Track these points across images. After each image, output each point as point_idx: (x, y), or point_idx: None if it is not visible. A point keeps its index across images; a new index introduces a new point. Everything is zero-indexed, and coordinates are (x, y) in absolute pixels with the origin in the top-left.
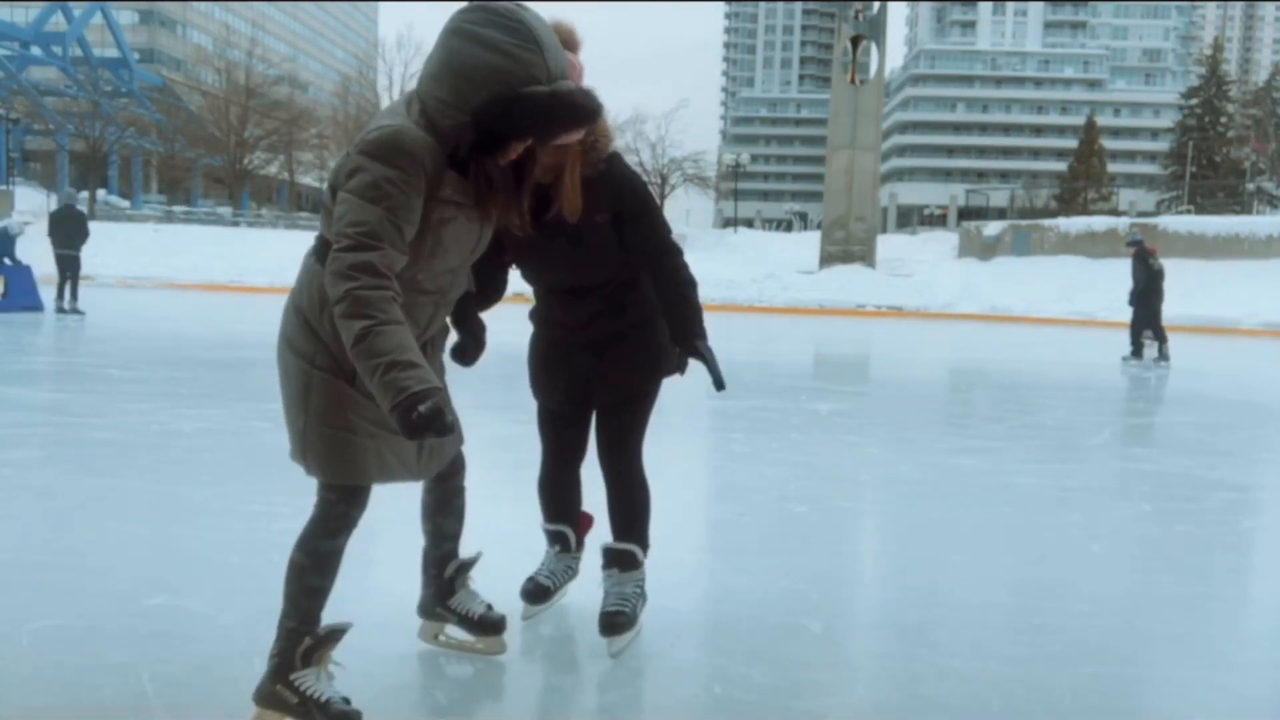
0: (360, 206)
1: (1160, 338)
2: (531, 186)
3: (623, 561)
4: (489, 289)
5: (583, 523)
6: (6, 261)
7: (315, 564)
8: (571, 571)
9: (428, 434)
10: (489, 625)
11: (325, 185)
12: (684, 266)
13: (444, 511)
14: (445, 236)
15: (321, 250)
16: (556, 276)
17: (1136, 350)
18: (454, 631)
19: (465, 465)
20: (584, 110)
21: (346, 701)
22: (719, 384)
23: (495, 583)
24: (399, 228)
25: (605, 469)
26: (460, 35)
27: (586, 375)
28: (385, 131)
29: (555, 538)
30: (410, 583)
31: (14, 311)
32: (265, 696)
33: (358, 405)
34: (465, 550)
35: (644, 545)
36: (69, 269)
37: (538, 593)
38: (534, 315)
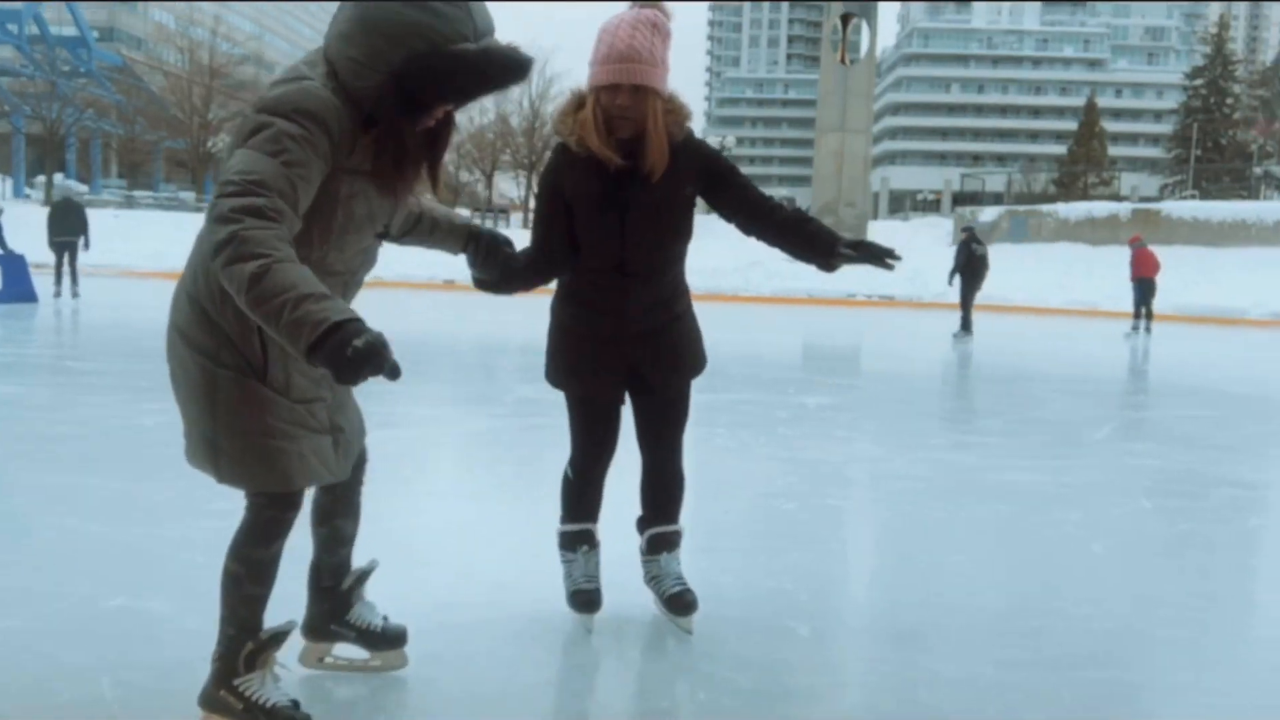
0: (254, 158)
1: (965, 315)
2: (444, 152)
3: (671, 543)
4: (556, 267)
5: None
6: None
7: (251, 573)
8: (599, 567)
9: (366, 371)
10: (392, 638)
11: (226, 157)
12: None
13: (342, 511)
14: (357, 211)
15: None
16: (629, 253)
17: (965, 326)
18: (344, 650)
19: (368, 458)
20: (515, 68)
21: (295, 704)
22: (892, 256)
23: (475, 580)
24: (293, 184)
25: (653, 455)
26: None
27: (636, 366)
28: (288, 90)
29: (583, 538)
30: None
31: (10, 303)
32: (210, 701)
33: (272, 405)
34: (358, 559)
35: None
36: (70, 254)
37: (593, 599)
38: (566, 302)
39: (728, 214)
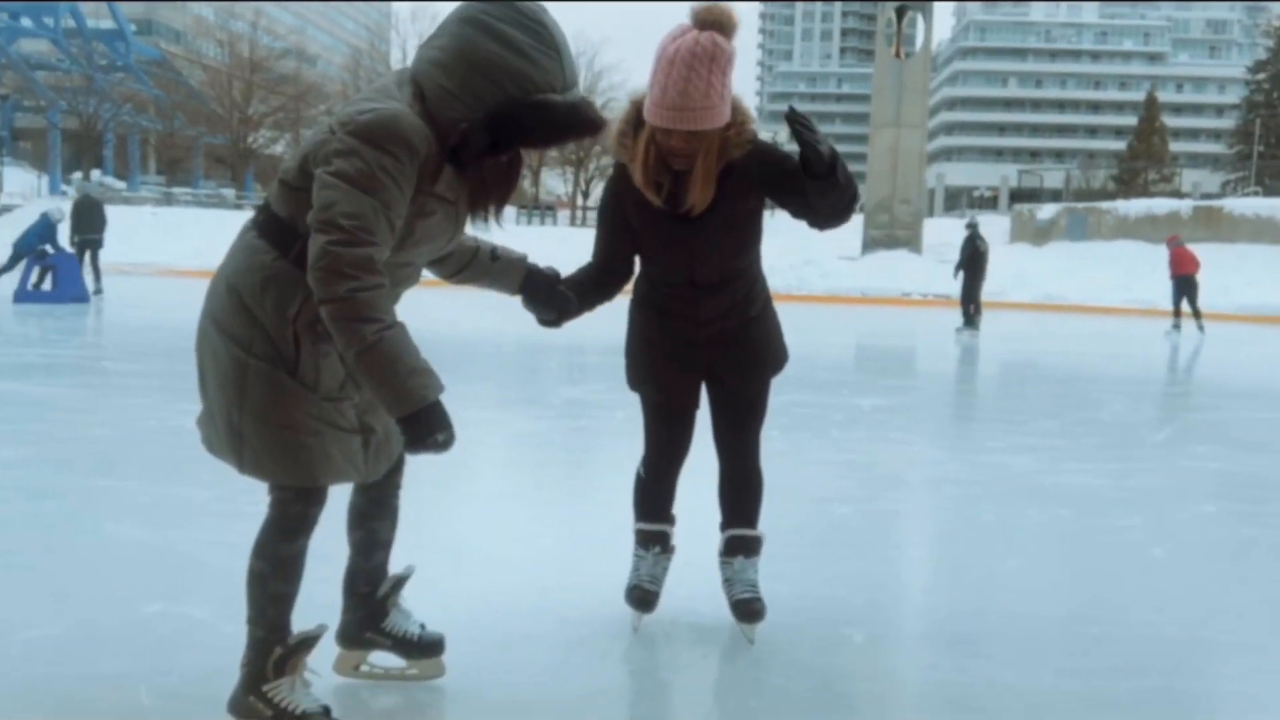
0: (353, 196)
1: (976, 309)
2: (514, 189)
3: (749, 548)
4: (618, 279)
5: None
6: (50, 250)
7: (277, 570)
8: (666, 573)
9: (426, 452)
10: (428, 646)
11: (292, 159)
12: None
13: (378, 514)
14: (419, 229)
15: (268, 225)
16: (698, 270)
17: (968, 320)
18: (380, 659)
19: (405, 462)
20: (591, 125)
21: (326, 711)
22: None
23: (518, 585)
24: (391, 223)
25: (730, 455)
26: (478, 27)
27: (710, 367)
28: (382, 114)
29: (655, 538)
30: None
31: (64, 303)
32: (239, 707)
33: (300, 400)
34: (395, 565)
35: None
36: (93, 251)
37: (648, 599)
38: (643, 308)
39: (798, 211)
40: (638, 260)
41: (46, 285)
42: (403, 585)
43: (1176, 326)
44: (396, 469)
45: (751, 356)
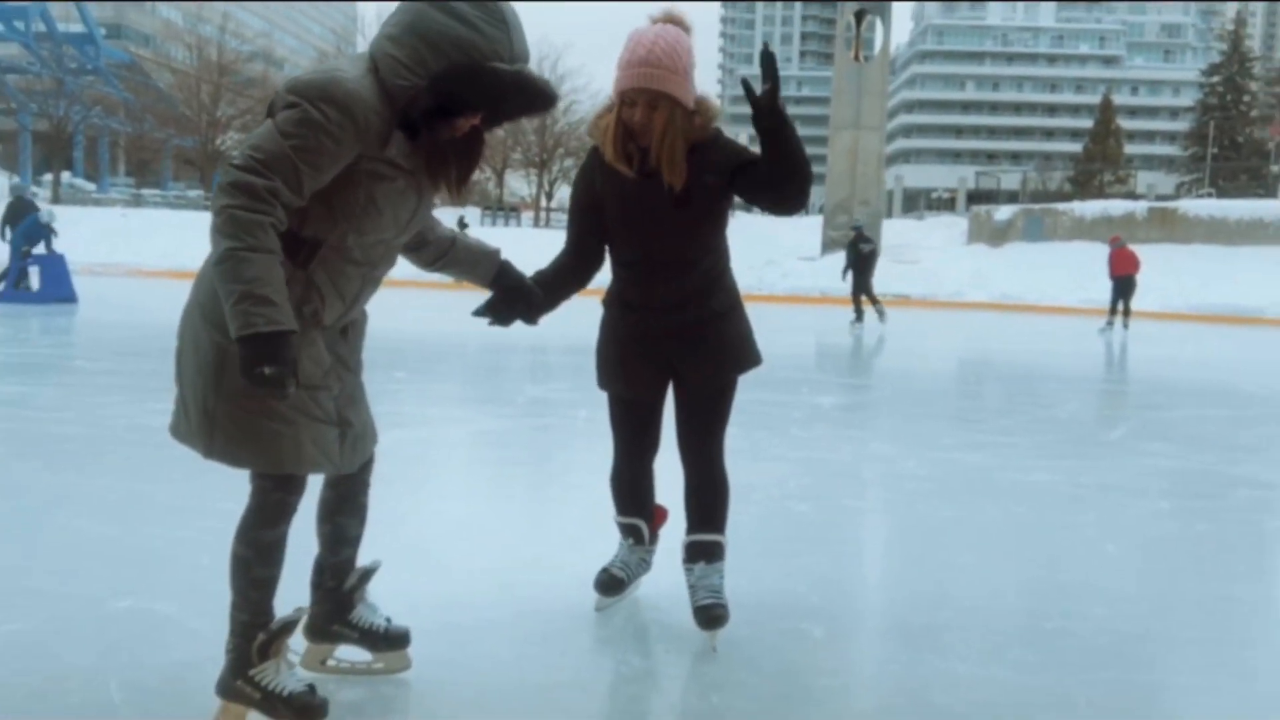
0: (270, 136)
1: (874, 301)
2: (475, 164)
3: (709, 553)
4: (589, 262)
5: (657, 516)
6: (43, 250)
7: (259, 555)
8: (645, 565)
9: (259, 387)
10: (394, 639)
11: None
12: None
13: (346, 510)
14: (379, 196)
15: None
16: (654, 243)
17: (859, 315)
18: (346, 653)
19: (374, 460)
20: (541, 96)
21: (311, 689)
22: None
23: (482, 581)
24: (297, 169)
25: (691, 459)
26: (428, 1)
27: (674, 364)
28: (320, 77)
29: (629, 531)
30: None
31: (49, 303)
32: (228, 690)
33: None
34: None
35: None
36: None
37: (611, 584)
38: (612, 302)
39: (753, 195)
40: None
41: (34, 285)
42: (369, 579)
43: (1110, 324)
44: (364, 467)
45: (714, 354)
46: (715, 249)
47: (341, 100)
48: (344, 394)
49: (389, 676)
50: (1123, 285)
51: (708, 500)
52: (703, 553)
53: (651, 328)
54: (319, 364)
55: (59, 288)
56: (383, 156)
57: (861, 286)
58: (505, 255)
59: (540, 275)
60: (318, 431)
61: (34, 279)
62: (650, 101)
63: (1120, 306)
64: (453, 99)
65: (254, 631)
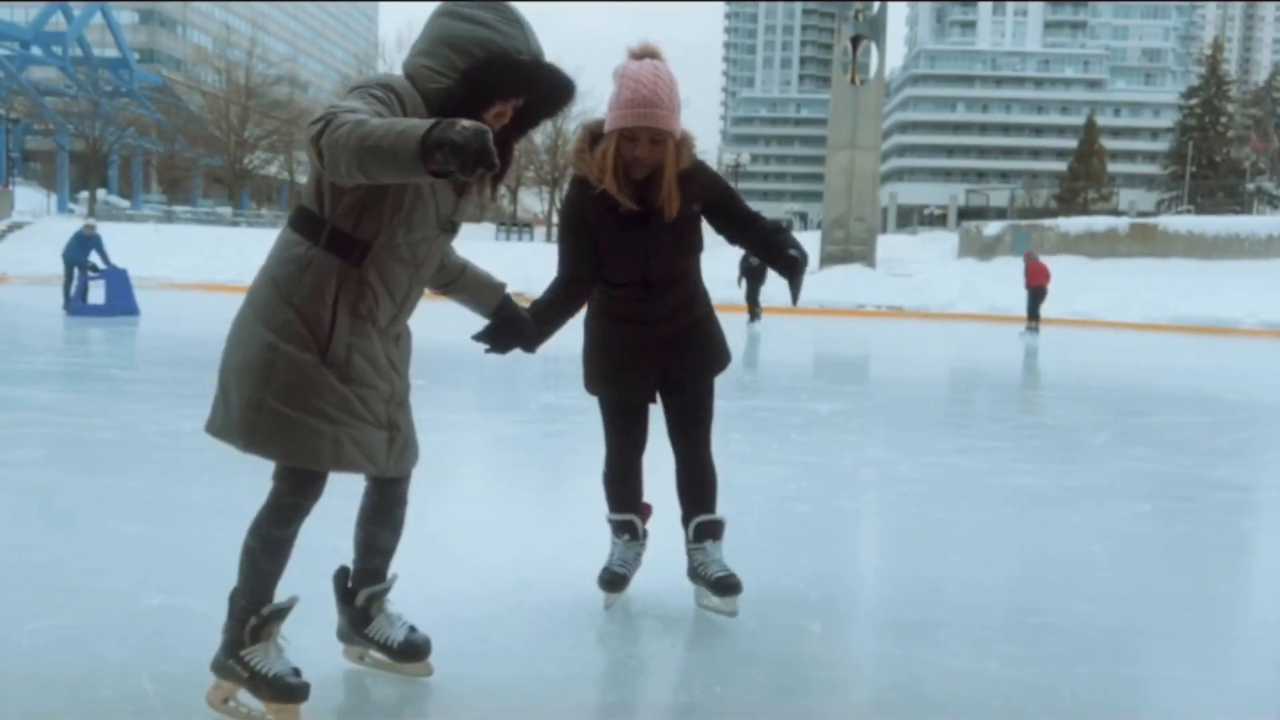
0: (344, 102)
1: (756, 304)
2: (507, 167)
3: (714, 532)
4: (582, 291)
5: (644, 512)
6: (100, 265)
7: (266, 550)
8: (639, 560)
9: (478, 147)
10: (411, 652)
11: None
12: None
13: (380, 519)
14: (424, 189)
15: (299, 218)
16: (651, 268)
17: (754, 317)
18: (378, 654)
19: (410, 474)
20: (561, 82)
21: (297, 673)
22: (794, 299)
23: (497, 580)
24: (375, 111)
25: (685, 450)
26: (447, 14)
27: (664, 366)
28: (374, 75)
29: (625, 527)
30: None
31: (115, 315)
32: (220, 668)
33: (322, 389)
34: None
35: None
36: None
37: (617, 581)
38: (599, 315)
39: (719, 227)
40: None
41: (99, 299)
42: (382, 596)
43: (1030, 329)
44: (402, 481)
45: (701, 357)
46: (696, 265)
47: (395, 85)
48: (395, 398)
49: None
50: (1037, 294)
51: (708, 486)
52: (709, 531)
53: (645, 337)
54: (373, 363)
55: (124, 300)
56: None
57: (754, 292)
58: (520, 268)
59: (536, 307)
60: (362, 432)
61: (99, 292)
62: (654, 138)
63: (1034, 313)
64: (483, 87)
65: (247, 616)
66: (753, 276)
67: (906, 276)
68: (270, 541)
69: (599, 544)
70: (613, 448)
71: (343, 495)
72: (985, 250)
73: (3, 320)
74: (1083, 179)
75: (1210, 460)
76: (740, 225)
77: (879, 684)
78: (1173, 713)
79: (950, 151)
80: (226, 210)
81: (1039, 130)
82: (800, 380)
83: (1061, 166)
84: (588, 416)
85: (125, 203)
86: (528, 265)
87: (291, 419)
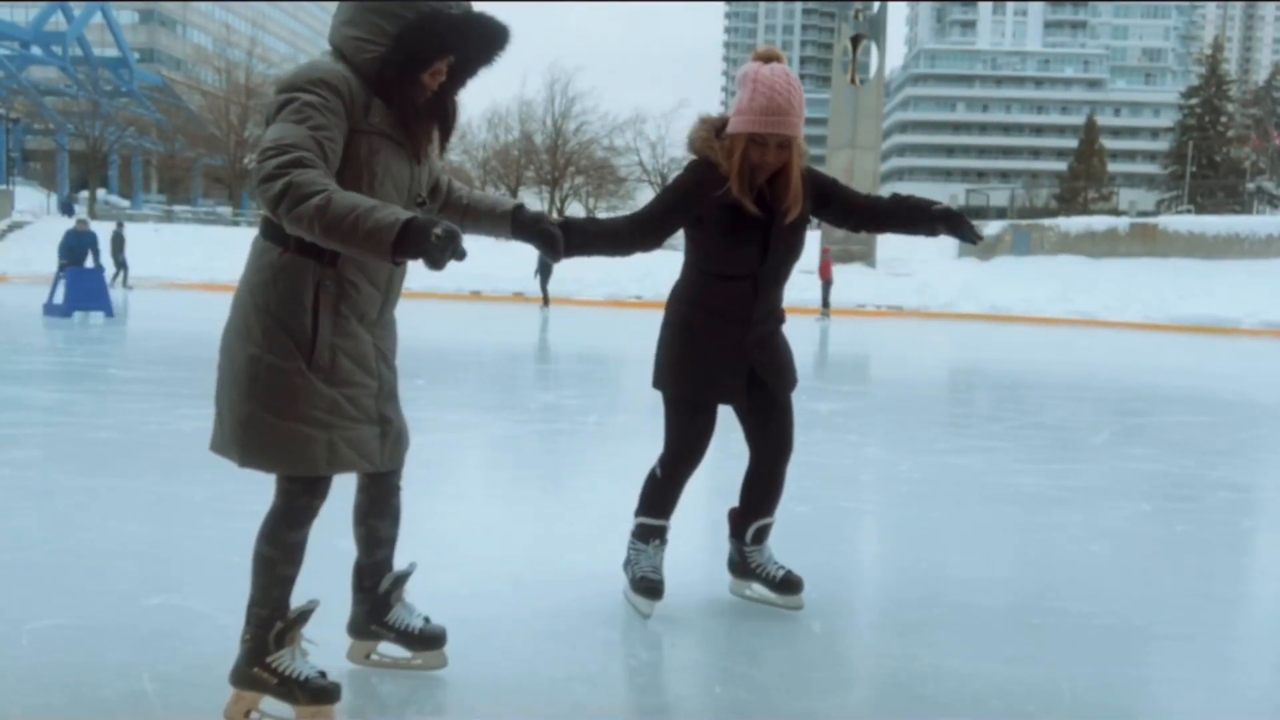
0: (284, 128)
1: (545, 295)
2: (453, 118)
3: (768, 533)
4: (641, 244)
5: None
6: (90, 264)
7: (284, 555)
8: (663, 563)
9: (449, 252)
10: (430, 639)
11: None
12: None
13: (378, 512)
14: (378, 167)
15: (267, 225)
16: (771, 264)
17: (546, 302)
18: (388, 649)
19: (402, 464)
20: (496, 30)
21: (323, 675)
22: (975, 234)
23: (498, 579)
24: (321, 145)
25: (776, 455)
26: None
27: (753, 368)
28: (300, 67)
29: (656, 533)
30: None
31: (71, 315)
32: (243, 679)
33: (308, 395)
34: (399, 561)
35: None
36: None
37: (658, 589)
38: (695, 308)
39: (837, 221)
40: (686, 260)
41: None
42: (404, 581)
43: (826, 315)
44: (395, 471)
45: (788, 361)
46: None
47: (322, 78)
48: (384, 392)
49: (410, 670)
50: (827, 286)
51: (776, 492)
52: (766, 534)
53: (743, 337)
54: (360, 361)
55: (90, 300)
56: (367, 126)
57: (545, 284)
58: (522, 268)
59: (589, 221)
60: (354, 432)
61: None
62: (781, 144)
63: (826, 302)
64: (416, 49)
65: (273, 623)
66: (546, 273)
67: (907, 276)
68: (287, 546)
69: (598, 543)
70: (672, 451)
71: (332, 495)
72: (985, 250)
73: (2, 320)
74: (1083, 179)
75: (1210, 460)
76: (861, 212)
77: (879, 684)
78: (1173, 713)
79: (950, 151)
80: (226, 210)
81: (1039, 130)
82: (801, 379)
83: (1061, 166)
84: (587, 416)
85: (125, 202)
86: (529, 265)
87: (283, 429)
